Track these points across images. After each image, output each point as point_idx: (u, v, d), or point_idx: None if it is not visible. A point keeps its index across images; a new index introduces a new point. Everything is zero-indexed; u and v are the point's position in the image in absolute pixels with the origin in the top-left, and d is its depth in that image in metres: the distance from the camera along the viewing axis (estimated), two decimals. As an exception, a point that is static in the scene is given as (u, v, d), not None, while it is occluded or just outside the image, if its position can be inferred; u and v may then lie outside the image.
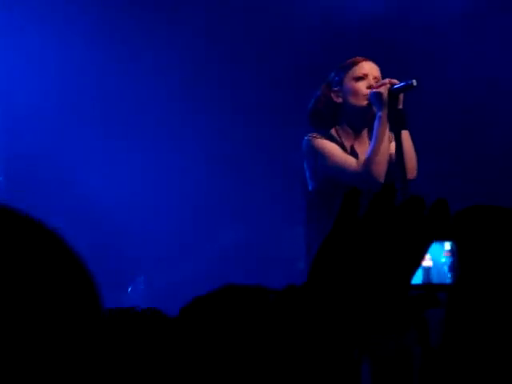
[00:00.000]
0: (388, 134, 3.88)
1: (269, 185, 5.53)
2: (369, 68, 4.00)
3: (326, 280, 0.96)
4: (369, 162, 3.86)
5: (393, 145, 3.91)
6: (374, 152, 3.87)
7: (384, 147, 3.87)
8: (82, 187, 5.41)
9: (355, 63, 4.02)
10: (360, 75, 3.98)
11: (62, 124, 5.55)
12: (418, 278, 1.04)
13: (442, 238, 1.06)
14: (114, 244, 5.48)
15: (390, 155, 3.90)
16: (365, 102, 3.94)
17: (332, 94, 4.02)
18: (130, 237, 5.54)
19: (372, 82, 3.94)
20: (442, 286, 1.05)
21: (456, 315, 1.03)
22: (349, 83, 3.99)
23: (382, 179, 3.85)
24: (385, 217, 0.97)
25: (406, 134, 3.85)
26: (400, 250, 0.97)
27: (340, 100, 4.01)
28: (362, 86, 3.95)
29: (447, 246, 1.06)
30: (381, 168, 3.86)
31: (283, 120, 5.35)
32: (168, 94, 5.64)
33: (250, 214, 5.63)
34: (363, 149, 3.99)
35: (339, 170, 3.91)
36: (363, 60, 4.03)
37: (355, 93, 3.96)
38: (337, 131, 4.04)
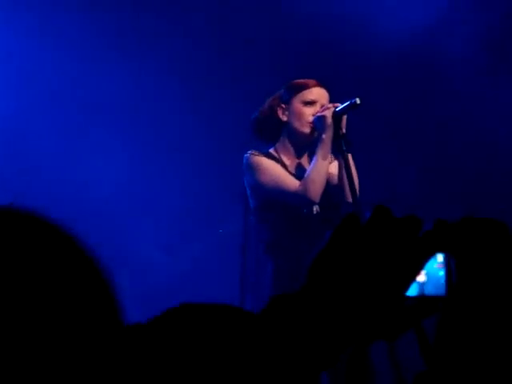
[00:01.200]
0: (329, 157, 3.90)
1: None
2: (318, 95, 3.97)
3: (323, 286, 0.97)
4: (306, 181, 3.85)
5: (333, 166, 3.94)
6: (313, 172, 3.85)
7: (323, 168, 3.86)
8: (79, 185, 5.42)
9: (306, 87, 3.98)
10: (308, 100, 3.96)
11: (60, 124, 5.52)
12: (412, 292, 1.07)
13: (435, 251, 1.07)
14: (111, 243, 5.44)
15: (329, 177, 3.91)
16: (307, 129, 3.93)
17: (278, 110, 4.01)
18: (126, 235, 5.54)
19: (318, 110, 3.92)
20: (436, 298, 1.05)
21: (450, 325, 1.04)
22: (296, 105, 3.97)
23: (317, 199, 3.86)
24: (384, 228, 0.99)
25: (349, 158, 3.83)
26: (397, 260, 0.98)
27: (285, 119, 4.00)
28: (307, 112, 3.94)
29: (440, 258, 1.06)
30: (318, 188, 3.84)
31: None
32: (168, 94, 5.62)
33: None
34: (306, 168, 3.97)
35: (276, 188, 3.91)
36: (315, 85, 3.99)
37: (300, 117, 3.95)
38: (277, 149, 4.03)
